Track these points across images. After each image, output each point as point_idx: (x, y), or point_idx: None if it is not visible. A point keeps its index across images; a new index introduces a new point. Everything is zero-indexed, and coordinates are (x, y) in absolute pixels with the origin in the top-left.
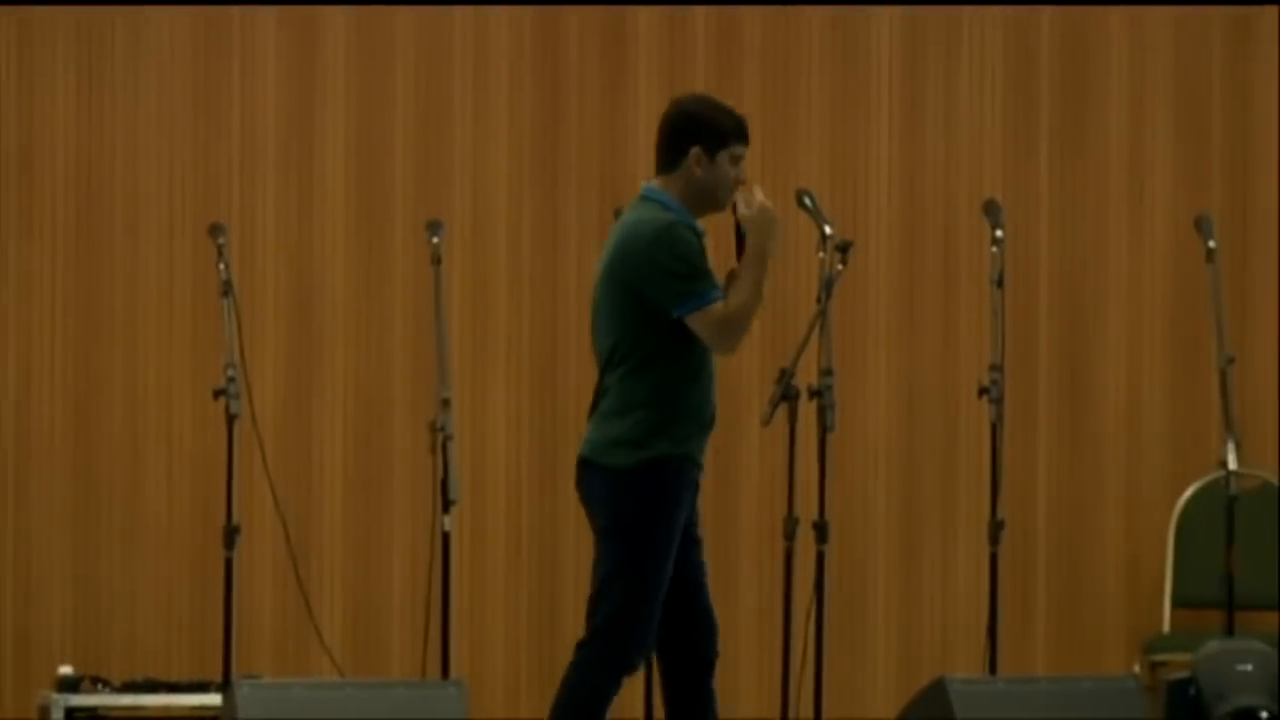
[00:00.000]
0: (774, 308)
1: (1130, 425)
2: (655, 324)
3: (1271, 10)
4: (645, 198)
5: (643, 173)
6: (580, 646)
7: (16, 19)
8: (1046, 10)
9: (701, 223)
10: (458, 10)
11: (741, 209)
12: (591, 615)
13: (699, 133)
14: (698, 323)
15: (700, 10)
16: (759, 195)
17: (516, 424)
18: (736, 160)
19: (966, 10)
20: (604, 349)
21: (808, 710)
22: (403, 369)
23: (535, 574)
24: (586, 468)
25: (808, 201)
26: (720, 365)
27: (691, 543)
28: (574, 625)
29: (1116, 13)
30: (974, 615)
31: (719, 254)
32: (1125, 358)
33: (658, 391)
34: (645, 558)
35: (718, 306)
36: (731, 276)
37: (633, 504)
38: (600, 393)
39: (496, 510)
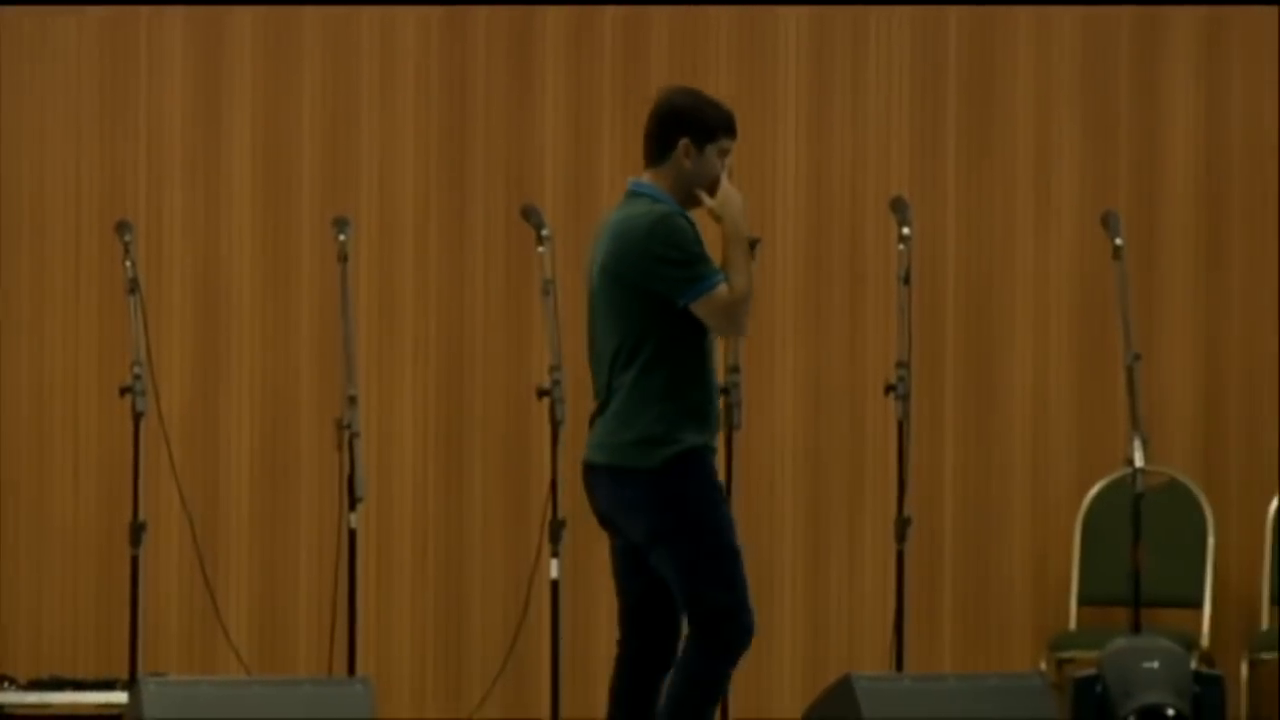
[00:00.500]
0: None
1: (1037, 423)
2: (662, 318)
3: (1179, 10)
4: (634, 193)
5: (550, 170)
6: (694, 640)
7: None
8: (954, 10)
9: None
10: (365, 10)
11: (707, 200)
12: (693, 611)
13: (687, 125)
14: (704, 308)
15: (608, 10)
16: (722, 179)
17: (423, 421)
18: (724, 154)
19: (874, 10)
20: (609, 350)
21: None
22: (309, 366)
23: (441, 571)
24: (608, 473)
25: None
26: None
27: None
28: (480, 622)
29: (1024, 12)
30: (880, 613)
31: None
32: (1032, 355)
33: (674, 385)
34: (720, 542)
35: (722, 290)
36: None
37: (677, 501)
38: (607, 394)
39: (403, 507)
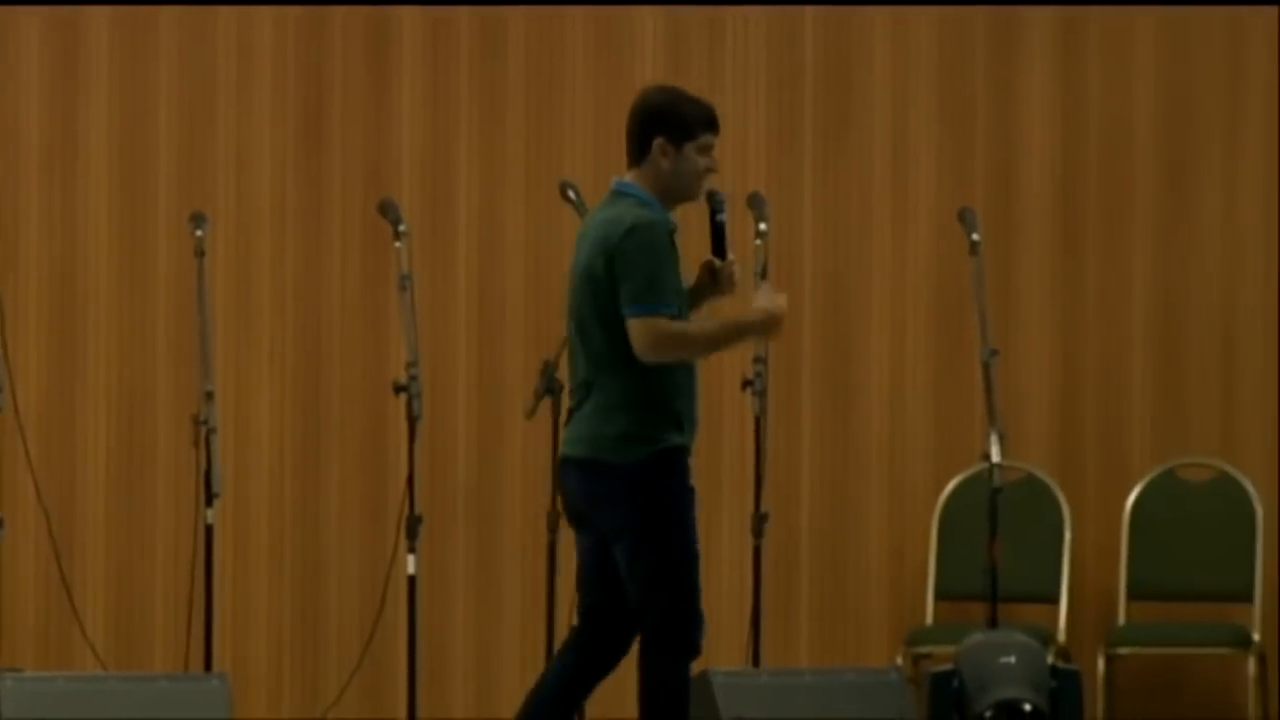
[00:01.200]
0: (537, 300)
1: (894, 418)
2: None
3: (1035, 10)
4: (618, 193)
5: (407, 166)
6: (647, 644)
7: None
8: (810, 10)
9: (677, 214)
10: (221, 10)
11: (759, 299)
12: (647, 612)
13: (662, 124)
14: (636, 329)
15: (464, 10)
16: (780, 300)
17: (280, 417)
18: (705, 150)
19: (730, 10)
20: (592, 349)
21: None
22: (166, 362)
23: (298, 568)
24: (580, 466)
25: (571, 194)
26: (480, 358)
27: None
28: (337, 618)
29: (880, 12)
30: (738, 608)
31: (693, 247)
32: (889, 351)
33: (658, 386)
34: (682, 546)
35: (662, 322)
36: (704, 269)
37: (650, 497)
38: (586, 392)
39: (259, 503)
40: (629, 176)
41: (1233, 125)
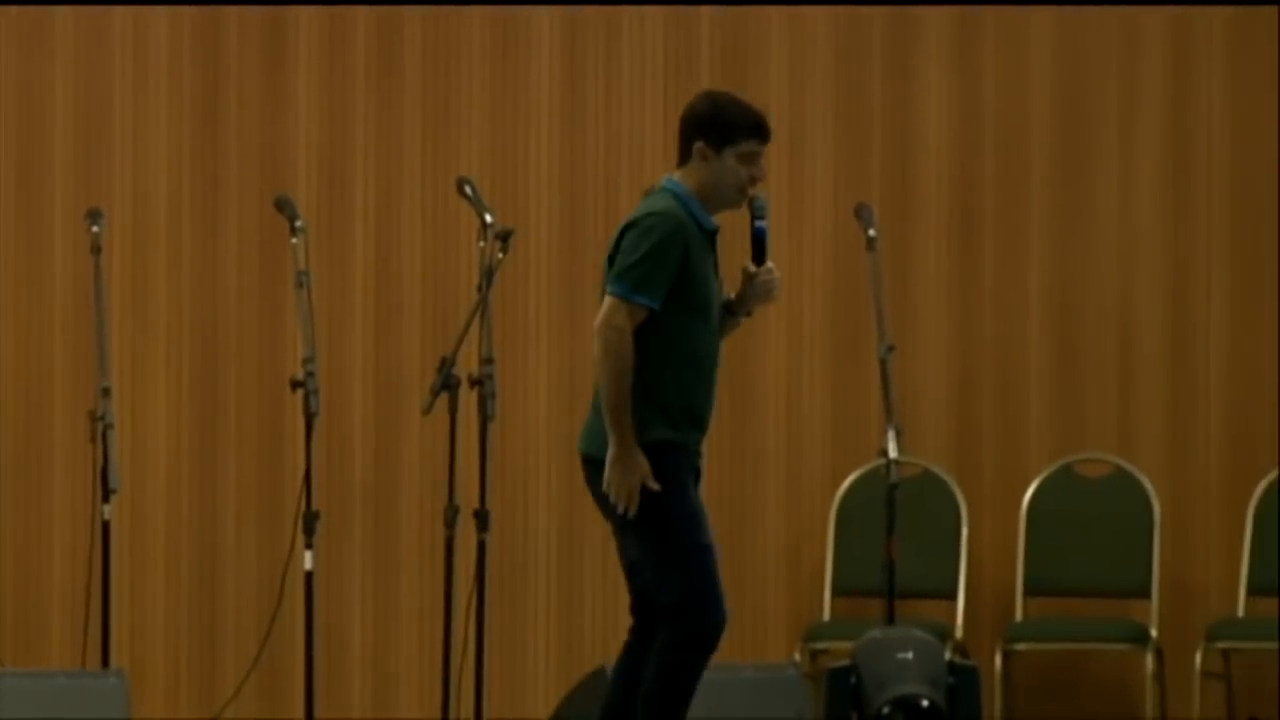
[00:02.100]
0: (434, 297)
1: (791, 414)
2: (649, 315)
3: (931, 10)
4: (662, 188)
5: (303, 162)
6: (661, 634)
7: None
8: (706, 9)
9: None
10: (117, 10)
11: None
12: (660, 604)
13: (704, 128)
14: (609, 306)
15: (360, 10)
16: (637, 481)
17: (176, 413)
18: (747, 157)
19: (626, 10)
20: None
21: (469, 705)
22: (62, 357)
23: (195, 564)
24: (584, 462)
25: (468, 190)
26: (377, 355)
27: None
28: (234, 615)
29: (776, 12)
30: None
31: (733, 253)
32: (786, 346)
33: (653, 382)
34: (681, 533)
35: (626, 309)
36: (743, 275)
37: (649, 489)
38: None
39: (156, 499)
40: (676, 175)
41: (1128, 123)
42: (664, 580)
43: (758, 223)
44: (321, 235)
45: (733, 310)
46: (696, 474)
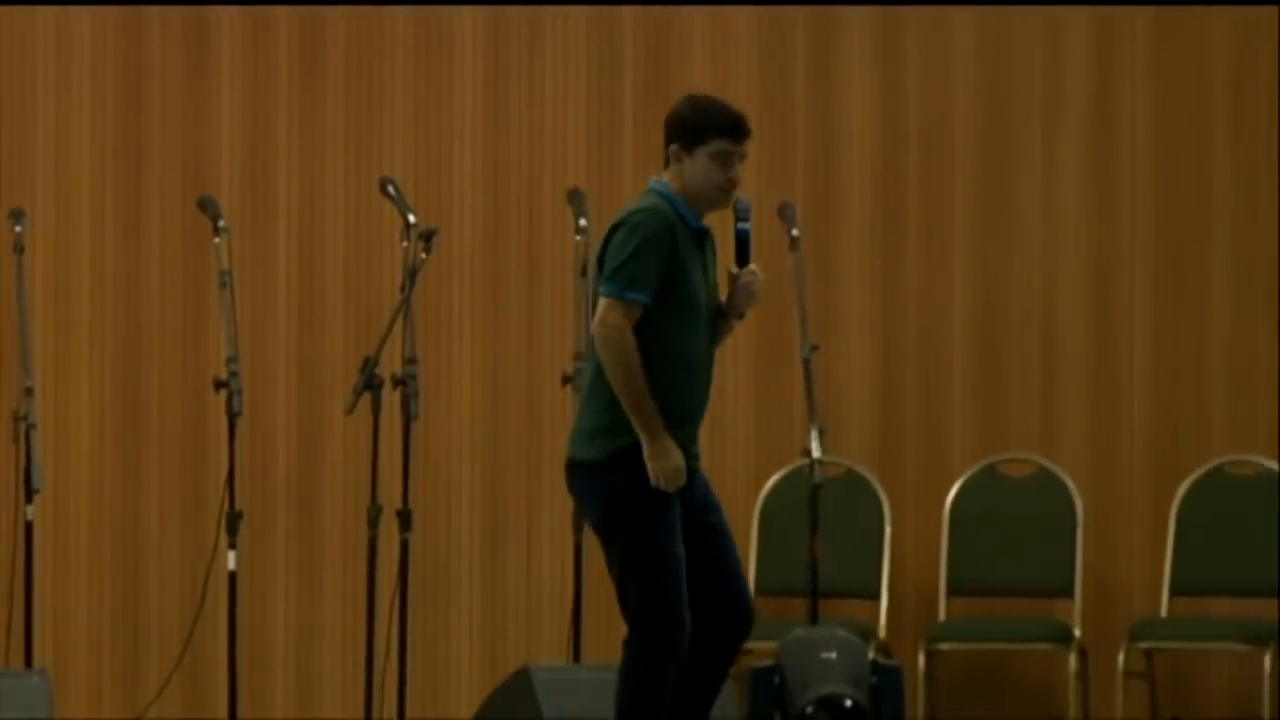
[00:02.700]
0: (357, 297)
1: (714, 413)
2: None
3: (854, 10)
4: (649, 189)
5: (227, 162)
6: (625, 644)
7: None
8: (629, 10)
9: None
10: (40, 10)
11: (658, 463)
12: (623, 612)
13: (674, 131)
14: (604, 306)
15: (282, 10)
16: (675, 471)
17: (99, 413)
18: (720, 157)
19: (549, 9)
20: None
21: (392, 705)
22: None
23: (119, 564)
24: (567, 465)
25: (391, 190)
26: (300, 355)
27: (707, 531)
28: (158, 615)
29: (699, 12)
30: (559, 603)
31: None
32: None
33: None
34: (647, 542)
35: (627, 305)
36: (727, 277)
37: (616, 495)
38: None
39: (79, 499)
40: (663, 176)
41: (1052, 122)
42: (626, 588)
43: (740, 225)
44: (244, 235)
45: (724, 314)
46: (692, 472)
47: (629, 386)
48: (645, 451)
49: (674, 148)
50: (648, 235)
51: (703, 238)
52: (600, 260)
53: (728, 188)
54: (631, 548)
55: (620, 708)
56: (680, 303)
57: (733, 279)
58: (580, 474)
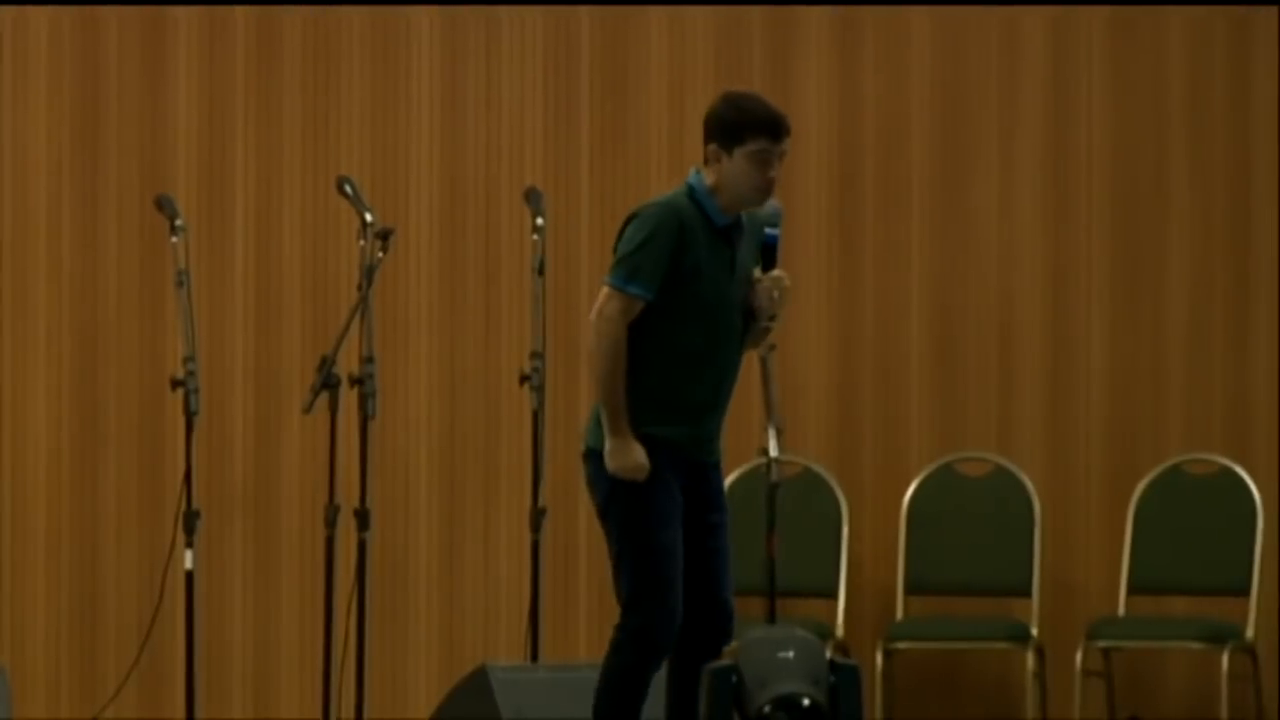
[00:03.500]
0: (314, 296)
1: None
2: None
3: (810, 9)
4: (685, 182)
5: (184, 162)
6: (615, 628)
7: None
8: (586, 9)
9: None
10: None
11: (614, 459)
12: (617, 597)
13: (712, 130)
14: (603, 296)
15: (239, 10)
16: (634, 467)
17: (56, 412)
18: (757, 156)
19: (506, 9)
20: None
21: (350, 704)
22: None
23: (76, 563)
24: (584, 458)
25: (348, 189)
26: (257, 354)
27: (708, 529)
28: (115, 615)
29: (656, 11)
30: (517, 602)
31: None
32: None
33: (635, 371)
34: (639, 531)
35: (620, 299)
36: (752, 284)
37: (610, 485)
38: None
39: (36, 498)
40: (702, 169)
41: (1009, 123)
42: (618, 575)
43: (769, 231)
44: (201, 234)
45: (754, 316)
46: (703, 467)
47: (606, 378)
48: (606, 445)
49: (712, 147)
50: (654, 230)
51: (730, 234)
52: (615, 248)
53: (765, 188)
54: (626, 535)
55: (601, 690)
56: (688, 299)
57: (754, 283)
58: (588, 461)
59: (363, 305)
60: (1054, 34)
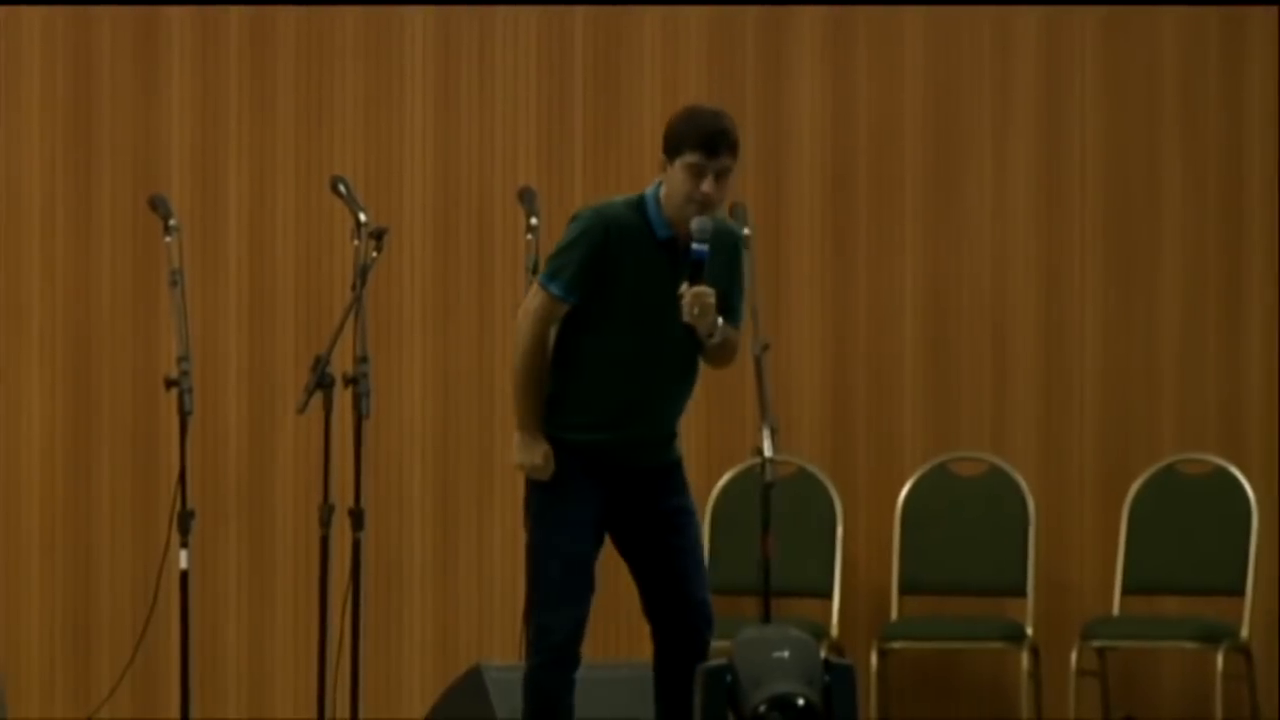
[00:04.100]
0: (308, 295)
1: None
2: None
3: (804, 9)
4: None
5: (177, 163)
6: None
7: None
8: (581, 9)
9: None
10: None
11: (520, 455)
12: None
13: (663, 139)
14: (530, 290)
15: (233, 9)
16: (534, 462)
17: (51, 412)
18: (691, 169)
19: (500, 9)
20: None
21: (345, 704)
22: None
23: (70, 563)
24: None
25: (342, 189)
26: (251, 353)
27: (669, 529)
28: (110, 615)
29: (650, 11)
30: (511, 601)
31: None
32: None
33: (568, 376)
34: (542, 534)
35: (542, 297)
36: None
37: (530, 483)
38: None
39: (30, 498)
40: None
41: (1001, 123)
42: (527, 580)
43: (695, 246)
44: (195, 234)
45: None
46: (644, 473)
47: (518, 373)
48: (514, 439)
49: (661, 157)
50: (580, 234)
51: (671, 246)
52: None
53: (696, 200)
54: (532, 537)
55: (523, 706)
56: (612, 304)
57: (679, 297)
58: None
59: (357, 305)
60: (1047, 34)
